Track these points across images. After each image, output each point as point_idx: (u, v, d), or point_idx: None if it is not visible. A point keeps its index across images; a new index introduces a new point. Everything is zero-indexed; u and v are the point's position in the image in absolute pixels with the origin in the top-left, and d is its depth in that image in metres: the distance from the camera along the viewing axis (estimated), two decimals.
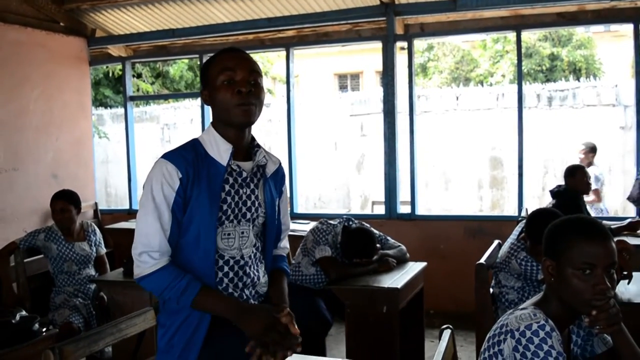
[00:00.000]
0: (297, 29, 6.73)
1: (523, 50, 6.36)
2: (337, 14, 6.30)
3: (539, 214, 3.52)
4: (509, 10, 5.91)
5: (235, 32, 6.91)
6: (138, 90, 11.68)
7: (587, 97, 9.87)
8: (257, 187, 2.09)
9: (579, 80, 11.61)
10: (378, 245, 4.18)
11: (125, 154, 7.62)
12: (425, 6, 6.01)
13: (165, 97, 13.47)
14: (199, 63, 8.56)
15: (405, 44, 6.28)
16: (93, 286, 4.36)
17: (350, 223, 4.28)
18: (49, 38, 6.83)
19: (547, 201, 5.58)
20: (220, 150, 2.01)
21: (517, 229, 3.77)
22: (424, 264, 4.32)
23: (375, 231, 4.30)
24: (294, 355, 1.98)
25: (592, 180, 6.78)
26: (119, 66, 9.24)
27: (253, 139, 2.12)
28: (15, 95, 6.39)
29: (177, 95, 13.47)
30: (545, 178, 9.76)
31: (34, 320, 3.07)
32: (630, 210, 8.47)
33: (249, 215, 2.06)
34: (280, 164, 2.22)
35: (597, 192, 7.08)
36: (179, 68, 12.95)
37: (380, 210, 6.78)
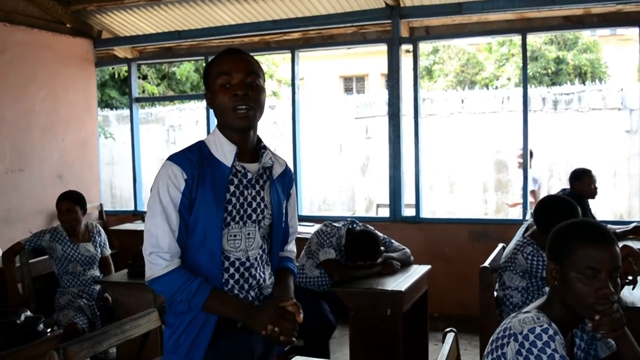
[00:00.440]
0: (303, 31, 6.75)
1: (528, 54, 6.38)
2: (342, 16, 6.31)
3: (548, 200, 3.52)
4: (514, 13, 5.91)
5: (240, 34, 6.93)
6: (143, 91, 11.70)
7: (593, 101, 9.84)
8: (262, 189, 2.09)
9: (584, 84, 11.57)
10: (382, 248, 4.18)
11: (130, 155, 7.64)
12: (430, 9, 6.02)
13: (171, 99, 13.47)
14: (204, 65, 8.58)
15: (410, 47, 6.29)
16: (97, 287, 4.37)
17: (355, 225, 4.28)
18: (55, 39, 6.87)
19: None
20: (224, 151, 2.02)
21: (521, 230, 3.77)
22: (428, 267, 4.32)
23: (380, 234, 4.30)
24: (299, 357, 1.99)
25: (530, 182, 6.95)
26: (125, 67, 9.25)
27: (259, 140, 2.13)
28: (22, 95, 6.42)
29: (182, 97, 13.48)
30: (551, 182, 9.74)
31: (38, 320, 3.08)
32: (636, 214, 8.47)
33: (254, 216, 2.06)
34: (287, 165, 2.22)
35: (534, 194, 7.18)
36: (186, 69, 12.95)
37: (385, 213, 6.77)
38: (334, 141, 11.11)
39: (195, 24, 6.96)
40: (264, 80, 2.07)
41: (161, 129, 12.25)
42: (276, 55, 13.54)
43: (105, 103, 12.85)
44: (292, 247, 2.30)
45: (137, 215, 7.26)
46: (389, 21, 6.17)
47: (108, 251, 4.61)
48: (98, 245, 4.48)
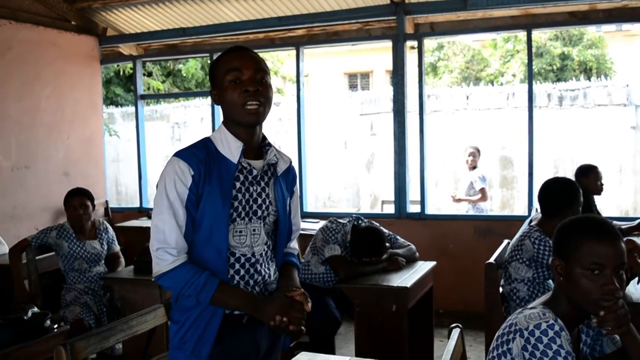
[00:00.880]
0: (307, 28, 6.74)
1: (534, 50, 6.36)
2: (347, 13, 6.31)
3: (551, 183, 3.53)
4: (519, 9, 5.90)
5: (245, 31, 6.93)
6: (149, 88, 11.72)
7: (598, 97, 9.82)
8: (267, 185, 2.11)
9: (589, 80, 11.55)
10: (387, 244, 4.18)
11: (135, 152, 7.66)
12: (435, 5, 6.01)
13: (176, 96, 13.50)
14: (209, 62, 8.58)
15: (415, 43, 6.28)
16: (103, 283, 4.37)
17: (360, 222, 4.28)
18: (61, 37, 6.88)
19: None
20: (231, 148, 2.03)
21: (525, 224, 3.78)
22: (433, 263, 4.32)
23: (385, 230, 4.30)
24: (304, 353, 2.00)
25: (478, 180, 7.02)
26: (130, 65, 9.30)
27: (264, 137, 2.14)
28: (27, 93, 6.44)
29: (187, 94, 13.50)
30: None
31: (45, 316, 3.09)
32: None
33: (259, 212, 2.07)
34: (291, 163, 2.23)
35: (484, 191, 7.23)
36: (192, 67, 12.97)
37: (390, 209, 6.78)
38: (338, 138, 11.11)
39: (200, 21, 6.96)
40: (270, 78, 2.09)
41: (166, 126, 12.28)
42: (281, 52, 13.55)
43: (110, 100, 12.89)
44: (294, 244, 2.31)
45: (142, 212, 7.28)
46: (394, 17, 6.16)
47: (117, 247, 4.62)
48: (105, 242, 4.48)
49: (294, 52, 6.83)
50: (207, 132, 2.20)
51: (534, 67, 6.32)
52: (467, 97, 10.58)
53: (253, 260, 2.06)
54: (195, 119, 11.94)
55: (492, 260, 3.60)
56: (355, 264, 4.07)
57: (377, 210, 10.34)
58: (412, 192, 6.41)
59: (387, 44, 6.39)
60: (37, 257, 4.30)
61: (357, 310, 3.75)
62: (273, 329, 1.97)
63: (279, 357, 2.23)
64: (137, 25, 7.32)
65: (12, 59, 6.27)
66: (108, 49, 7.61)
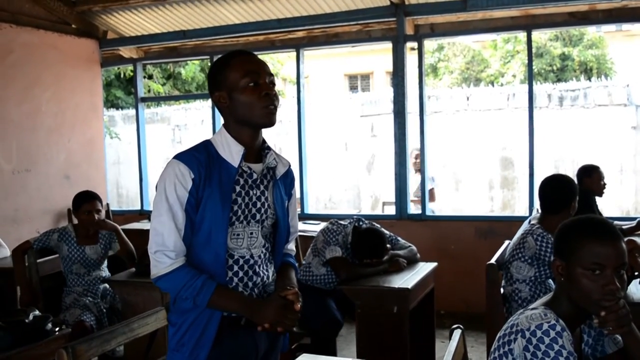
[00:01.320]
0: (307, 29, 6.75)
1: (534, 50, 6.36)
2: (347, 14, 6.32)
3: (549, 180, 3.55)
4: (519, 10, 5.90)
5: (245, 33, 6.93)
6: (149, 91, 11.73)
7: (599, 97, 9.81)
8: (266, 189, 2.11)
9: (590, 80, 11.55)
10: (388, 245, 4.18)
11: (136, 155, 7.66)
12: (435, 6, 6.01)
13: (176, 98, 13.51)
14: (209, 64, 8.58)
15: (415, 45, 6.28)
16: (102, 285, 4.37)
17: (361, 223, 4.28)
18: (61, 40, 6.89)
19: None
20: (232, 151, 2.03)
21: (525, 223, 3.78)
22: (434, 264, 4.31)
23: (386, 231, 4.29)
24: (306, 355, 2.00)
25: (427, 181, 7.07)
26: (130, 67, 9.29)
27: (264, 141, 2.14)
28: (28, 96, 6.45)
29: (188, 96, 13.52)
30: None
31: (46, 319, 3.09)
32: None
33: (258, 216, 2.08)
34: (289, 166, 2.24)
35: (433, 192, 7.31)
36: (191, 69, 12.98)
37: (391, 210, 6.78)
38: (339, 139, 11.11)
39: (200, 23, 6.97)
40: None
41: (167, 128, 12.28)
42: (281, 54, 13.55)
43: (111, 103, 12.90)
44: (291, 245, 2.32)
45: (143, 214, 7.28)
46: (394, 19, 6.16)
47: (117, 246, 4.53)
48: (107, 244, 4.44)
49: (294, 54, 6.84)
50: (207, 135, 2.20)
51: (534, 67, 6.33)
52: (468, 98, 10.57)
53: (252, 262, 2.07)
54: (195, 122, 11.94)
55: (493, 260, 3.60)
56: (356, 266, 4.07)
57: (377, 211, 10.34)
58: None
59: (387, 46, 6.40)
60: (38, 260, 4.30)
61: (359, 311, 3.75)
62: (263, 331, 1.99)
63: (277, 358, 2.23)
64: (138, 28, 7.33)
65: (13, 63, 6.28)
66: (108, 52, 7.62)
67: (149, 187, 7.61)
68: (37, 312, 3.17)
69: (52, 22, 6.81)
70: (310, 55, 8.08)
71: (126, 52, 7.58)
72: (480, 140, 10.28)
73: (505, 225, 5.74)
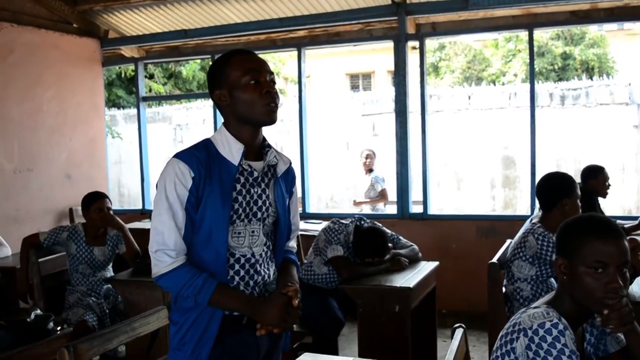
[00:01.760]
0: (309, 29, 6.74)
1: (535, 49, 6.34)
2: (348, 13, 6.31)
3: (547, 178, 3.55)
4: (521, 8, 5.89)
5: (247, 32, 6.93)
6: (150, 90, 11.74)
7: (600, 96, 9.81)
8: (267, 187, 2.11)
9: (591, 79, 11.54)
10: (390, 244, 4.18)
11: (138, 154, 7.66)
12: (436, 5, 6.00)
13: (178, 98, 13.51)
14: (210, 63, 8.58)
15: (416, 44, 6.28)
16: (106, 286, 4.37)
17: (362, 222, 4.28)
18: (63, 39, 6.89)
19: None
20: (232, 150, 2.03)
21: (527, 223, 3.77)
22: (436, 263, 4.31)
23: (388, 231, 4.29)
24: (307, 354, 1.99)
25: (378, 182, 7.10)
26: (132, 67, 9.28)
27: (264, 139, 2.14)
28: (29, 95, 6.44)
29: (189, 95, 13.51)
30: None
31: (48, 319, 3.09)
32: None
33: (259, 214, 2.08)
34: (290, 164, 2.23)
35: (384, 192, 7.44)
36: (192, 68, 12.98)
37: (393, 209, 6.77)
38: (340, 138, 11.11)
39: (202, 22, 6.97)
40: None
41: (168, 127, 12.30)
42: (282, 53, 13.55)
43: (112, 102, 12.91)
44: (293, 243, 2.32)
45: (145, 214, 7.27)
46: (395, 18, 6.16)
47: (124, 247, 4.52)
48: (114, 245, 4.43)
49: (295, 53, 6.83)
50: (209, 134, 2.20)
51: (535, 66, 6.32)
52: (469, 97, 10.57)
53: (253, 260, 2.06)
54: (197, 121, 11.95)
55: (494, 260, 3.60)
56: (358, 265, 4.06)
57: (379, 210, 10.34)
58: (415, 193, 6.40)
59: (389, 45, 6.39)
60: (40, 260, 4.30)
61: (360, 310, 3.75)
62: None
63: (279, 358, 2.23)
64: (139, 28, 7.33)
65: (14, 62, 6.28)
66: (110, 52, 7.61)
67: (151, 186, 7.61)
68: (38, 312, 3.17)
69: (53, 21, 6.81)
70: (312, 55, 8.09)
71: (127, 51, 7.58)
72: (481, 139, 10.27)
73: (507, 224, 5.73)
